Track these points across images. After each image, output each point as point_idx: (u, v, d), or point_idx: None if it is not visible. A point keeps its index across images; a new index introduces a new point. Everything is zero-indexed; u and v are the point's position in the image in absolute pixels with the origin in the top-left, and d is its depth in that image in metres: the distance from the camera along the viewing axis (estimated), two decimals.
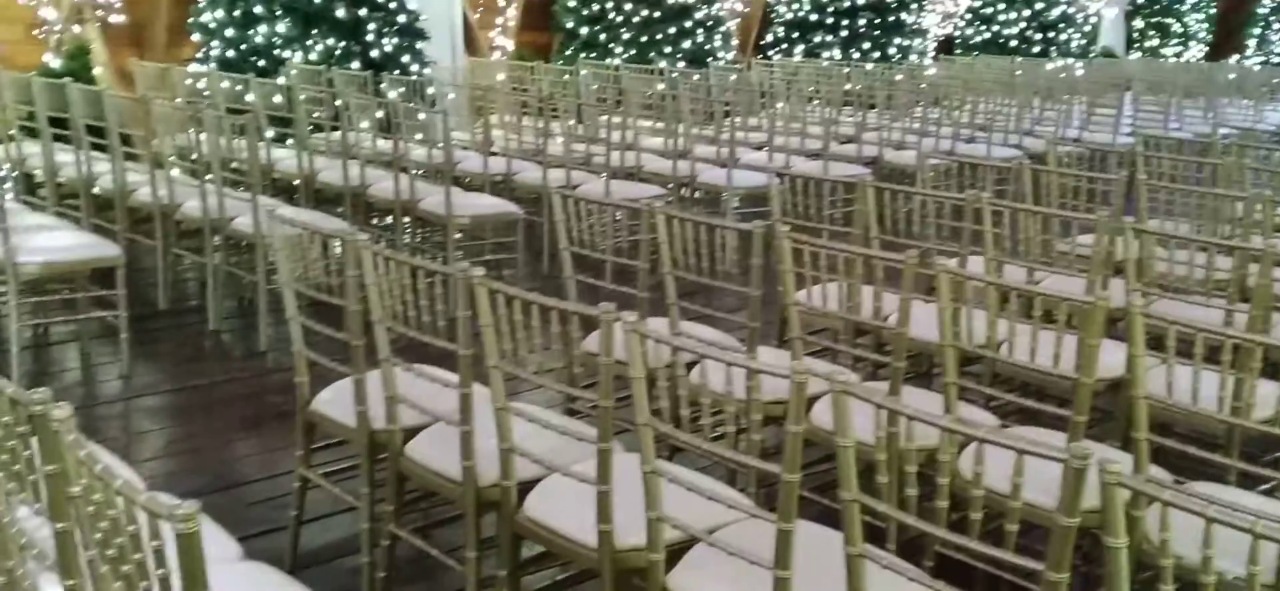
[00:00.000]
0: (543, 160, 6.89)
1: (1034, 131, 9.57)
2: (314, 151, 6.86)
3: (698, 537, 2.28)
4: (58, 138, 6.26)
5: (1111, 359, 3.11)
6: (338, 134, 6.82)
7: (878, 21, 14.06)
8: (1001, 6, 16.68)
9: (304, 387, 3.26)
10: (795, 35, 14.05)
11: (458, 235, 6.15)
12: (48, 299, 5.28)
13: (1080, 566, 3.04)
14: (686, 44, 11.89)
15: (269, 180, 6.84)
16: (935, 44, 15.88)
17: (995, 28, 16.69)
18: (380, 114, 6.90)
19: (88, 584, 1.75)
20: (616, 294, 3.83)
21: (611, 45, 11.74)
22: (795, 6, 14.03)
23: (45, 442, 1.64)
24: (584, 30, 11.87)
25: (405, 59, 8.97)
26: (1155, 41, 19.78)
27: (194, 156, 5.45)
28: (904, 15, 14.23)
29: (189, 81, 7.76)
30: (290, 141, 7.41)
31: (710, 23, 12.13)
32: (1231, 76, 12.97)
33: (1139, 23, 19.94)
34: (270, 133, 7.18)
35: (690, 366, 3.30)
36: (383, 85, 8.06)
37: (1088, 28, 17.69)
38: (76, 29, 8.91)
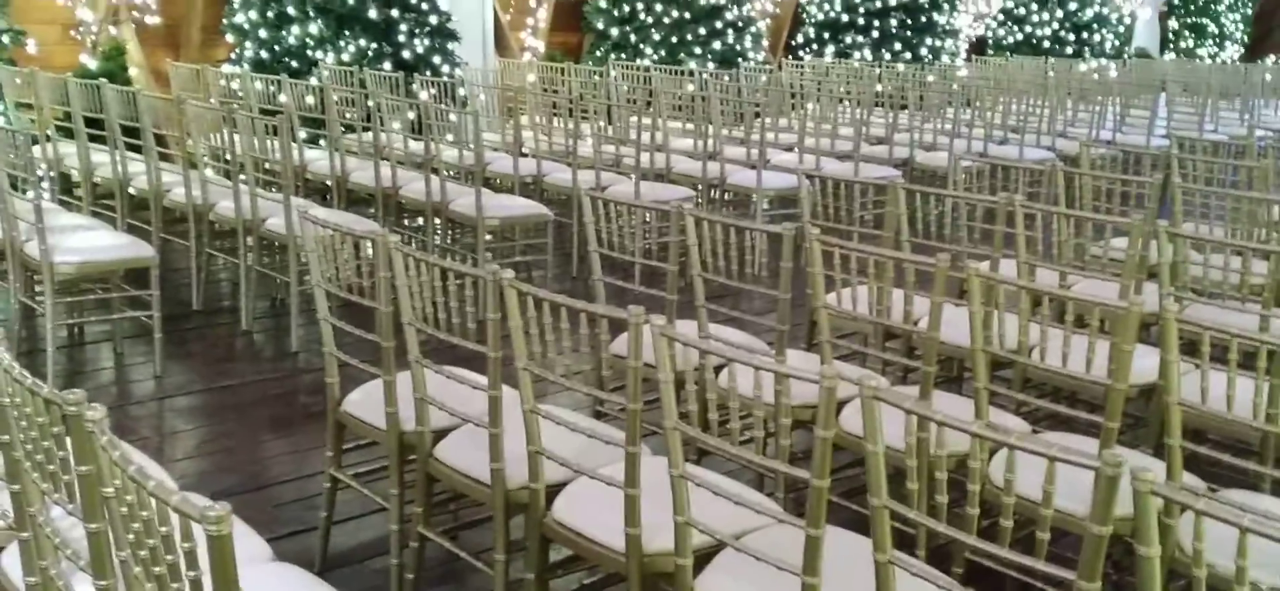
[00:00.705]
0: (573, 162, 6.91)
1: (1067, 133, 9.51)
2: (346, 152, 6.90)
3: (725, 542, 2.27)
4: (93, 138, 6.33)
5: (1144, 364, 3.07)
6: (370, 135, 6.86)
7: (909, 22, 13.99)
8: (1034, 7, 16.55)
9: (334, 388, 3.28)
10: (826, 36, 14.00)
11: (488, 236, 6.17)
12: (82, 298, 5.34)
13: (1112, 575, 3.01)
14: (717, 45, 11.88)
15: (301, 181, 6.89)
16: (967, 45, 15.79)
17: (1028, 28, 16.56)
18: (412, 115, 6.93)
19: (120, 584, 1.77)
20: (645, 296, 3.83)
21: (642, 46, 11.75)
22: (826, 7, 13.98)
23: (79, 443, 1.65)
24: (614, 31, 11.88)
25: (436, 60, 9.01)
26: (1191, 42, 19.57)
27: (227, 157, 5.50)
28: (935, 16, 14.15)
29: (222, 82, 7.83)
30: (322, 142, 7.46)
31: (740, 24, 12.11)
32: (1268, 78, 12.82)
33: (1174, 23, 19.74)
34: (303, 133, 7.24)
35: (718, 369, 3.30)
36: (414, 86, 8.10)
37: (1122, 29, 17.53)
38: (112, 30, 9.01)
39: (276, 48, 8.66)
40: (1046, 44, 16.43)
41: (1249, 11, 19.92)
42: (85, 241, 4.92)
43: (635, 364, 2.31)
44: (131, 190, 6.26)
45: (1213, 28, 19.60)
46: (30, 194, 4.64)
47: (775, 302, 3.48)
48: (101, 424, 1.61)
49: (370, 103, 6.74)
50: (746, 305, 5.42)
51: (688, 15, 11.80)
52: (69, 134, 6.66)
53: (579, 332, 2.58)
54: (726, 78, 10.42)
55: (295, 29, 8.62)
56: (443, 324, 2.84)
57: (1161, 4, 19.63)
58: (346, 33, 8.68)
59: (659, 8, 11.77)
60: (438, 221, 6.58)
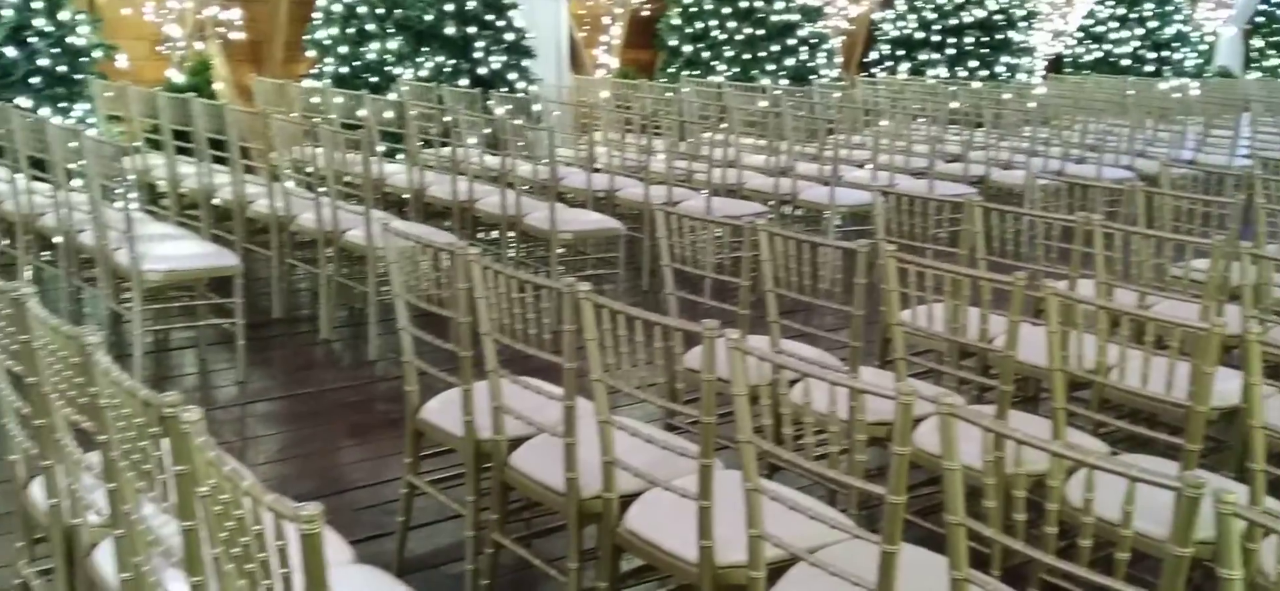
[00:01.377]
0: (645, 177, 6.95)
1: (1146, 153, 9.35)
2: (424, 166, 7.02)
3: (799, 556, 2.28)
4: (180, 150, 6.51)
5: (1226, 387, 3.03)
6: (447, 149, 6.97)
7: (985, 39, 13.85)
8: (1114, 25, 16.29)
9: (413, 396, 3.34)
10: (901, 53, 13.92)
11: (560, 250, 6.23)
12: (169, 305, 5.49)
13: None
14: (790, 61, 11.87)
15: (380, 194, 7.02)
16: (1044, 62, 15.58)
17: (1107, 46, 16.30)
18: (487, 130, 7.03)
19: (211, 581, 1.83)
20: (715, 311, 3.85)
21: (714, 63, 11.78)
22: (901, 24, 13.90)
23: (176, 443, 1.72)
24: (687, 48, 11.92)
25: (512, 76, 9.13)
26: (1275, 60, 19.11)
27: (309, 170, 5.62)
28: (1012, 34, 14.00)
29: (305, 96, 8.00)
30: (401, 156, 7.59)
31: (814, 40, 12.09)
32: None
33: (1258, 41, 19.29)
34: (381, 147, 7.37)
35: (792, 384, 3.31)
36: (490, 102, 8.21)
37: (1203, 47, 17.18)
38: (199, 45, 9.25)
39: (356, 63, 8.84)
40: (1126, 62, 16.16)
41: None
42: (173, 250, 5.06)
43: (709, 377, 2.34)
44: (216, 201, 6.43)
45: None
46: (119, 203, 4.80)
47: (847, 319, 3.48)
48: (198, 425, 1.67)
49: (447, 118, 6.84)
50: (817, 321, 5.41)
51: (761, 32, 11.82)
52: (157, 146, 6.87)
53: (653, 345, 2.61)
54: (799, 94, 10.41)
55: (375, 45, 8.79)
56: (519, 335, 2.88)
57: (1245, 22, 19.20)
58: (425, 49, 8.84)
59: (732, 25, 11.79)
60: (511, 234, 6.66)
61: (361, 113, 7.22)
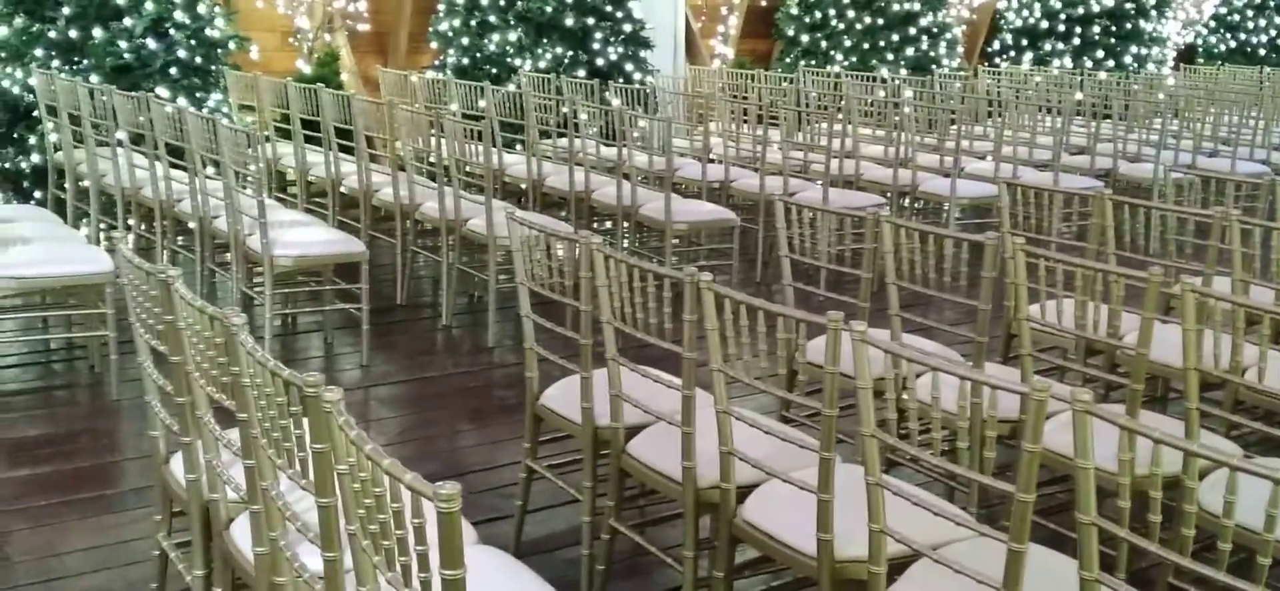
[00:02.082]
0: (760, 167, 6.93)
1: None
2: (542, 157, 7.10)
3: (921, 552, 2.26)
4: (308, 139, 6.70)
5: None
6: (564, 140, 7.04)
7: (1113, 29, 13.43)
8: (1250, 14, 15.65)
9: (533, 383, 3.40)
10: (1024, 43, 13.58)
11: (675, 240, 6.25)
12: (297, 290, 5.66)
13: None
14: (910, 51, 11.68)
15: (500, 184, 7.13)
16: (1175, 52, 15.05)
17: (1242, 36, 15.67)
18: (605, 120, 7.08)
19: (346, 556, 1.89)
20: (832, 303, 3.82)
21: (833, 53, 11.66)
22: (1025, 14, 13.57)
23: (316, 422, 1.78)
24: (805, 38, 11.83)
25: (629, 67, 9.18)
26: None
27: (432, 159, 5.74)
28: (1142, 23, 13.55)
29: (428, 87, 8.16)
30: (519, 146, 7.69)
31: (935, 30, 11.88)
32: None
33: None
34: (501, 138, 7.47)
35: (916, 379, 3.27)
36: (607, 93, 8.26)
37: None
38: (326, 37, 9.51)
39: (478, 54, 8.99)
40: (1262, 52, 15.51)
41: None
42: (302, 236, 5.22)
43: (833, 369, 2.32)
44: (342, 189, 6.60)
45: None
46: (251, 191, 4.96)
47: (970, 313, 3.42)
48: (338, 404, 1.73)
49: (565, 109, 6.91)
50: (936, 315, 5.33)
51: (881, 22, 11.66)
52: (286, 135, 7.08)
53: (775, 336, 2.60)
54: (919, 84, 10.24)
55: (496, 36, 8.92)
56: (638, 324, 2.91)
57: None
58: (544, 40, 8.94)
59: (851, 14, 11.66)
60: (626, 224, 6.71)
61: (482, 103, 7.34)
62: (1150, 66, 13.56)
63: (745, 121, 7.84)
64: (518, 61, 8.88)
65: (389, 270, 6.39)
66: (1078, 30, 13.41)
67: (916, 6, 11.74)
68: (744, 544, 2.73)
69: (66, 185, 6.61)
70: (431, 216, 5.93)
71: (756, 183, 6.94)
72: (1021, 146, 8.09)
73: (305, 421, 1.84)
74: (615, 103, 7.85)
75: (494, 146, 6.81)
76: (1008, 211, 4.29)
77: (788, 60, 11.84)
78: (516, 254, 3.30)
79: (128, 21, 6.91)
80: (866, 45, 11.65)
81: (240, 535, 2.44)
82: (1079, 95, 9.43)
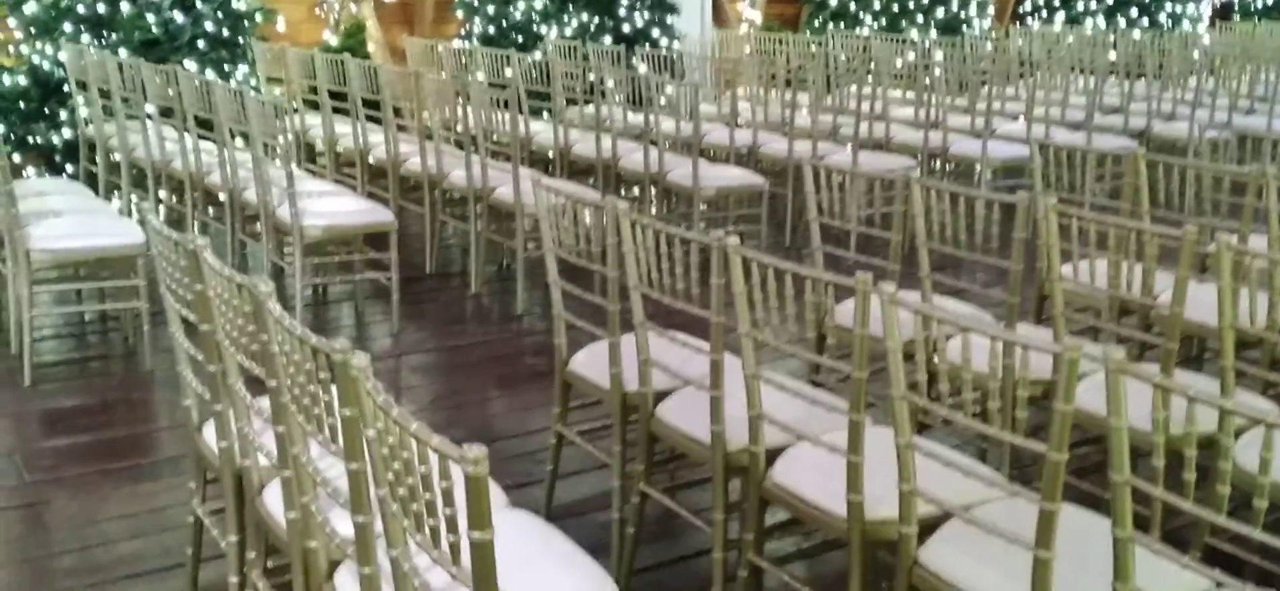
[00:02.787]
0: (789, 132, 6.88)
1: None
2: (569, 124, 7.08)
3: (953, 512, 2.25)
4: (336, 110, 6.71)
5: None
6: (592, 108, 7.01)
7: None
8: None
9: (562, 349, 3.40)
10: (1056, 2, 13.38)
11: (702, 206, 6.22)
12: (327, 259, 5.69)
13: None
14: (940, 12, 11.54)
15: (526, 152, 7.12)
16: (1211, 10, 14.79)
17: None
18: (631, 87, 7.04)
19: (376, 520, 1.89)
20: (862, 266, 3.79)
21: (861, 15, 11.54)
22: None
23: (344, 388, 1.78)
24: (834, 1, 11.71)
25: (656, 32, 9.12)
26: None
27: (459, 128, 5.73)
28: None
29: (454, 56, 8.15)
30: (546, 114, 7.67)
31: None
32: None
33: None
34: (528, 106, 7.46)
35: (946, 341, 3.25)
36: (634, 59, 8.22)
37: None
38: (353, 8, 9.51)
39: (503, 22, 8.96)
40: None
41: None
42: (331, 206, 5.23)
43: (861, 332, 2.31)
44: (371, 159, 6.62)
45: None
46: (280, 162, 4.98)
47: (1002, 275, 3.39)
48: (366, 370, 1.73)
49: (592, 76, 6.89)
50: (968, 277, 5.29)
51: None
52: (314, 106, 7.09)
53: (803, 300, 2.58)
54: (950, 45, 10.13)
55: (521, 4, 8.90)
56: (668, 289, 2.90)
57: None
58: (570, 7, 8.90)
59: None
60: (654, 190, 6.69)
61: (508, 72, 7.32)
62: (1185, 24, 13.35)
63: (773, 86, 7.78)
64: (543, 29, 8.84)
65: (419, 239, 6.41)
66: None
67: None
68: (773, 506, 2.72)
69: (98, 159, 6.66)
70: (459, 185, 5.94)
71: (785, 147, 6.90)
72: (1054, 107, 7.99)
73: (334, 388, 1.85)
74: (642, 69, 7.82)
75: (520, 114, 6.80)
76: (1040, 172, 4.24)
77: (816, 23, 11.72)
78: (543, 221, 3.29)
79: None
80: (896, 6, 11.51)
81: (272, 501, 2.45)
82: (1112, 55, 9.31)
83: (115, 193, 6.61)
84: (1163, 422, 1.99)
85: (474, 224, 5.88)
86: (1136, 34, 11.34)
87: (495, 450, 4.06)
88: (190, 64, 6.76)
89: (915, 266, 3.57)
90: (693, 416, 2.93)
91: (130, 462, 3.93)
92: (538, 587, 2.13)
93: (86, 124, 6.80)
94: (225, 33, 7.19)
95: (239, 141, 5.59)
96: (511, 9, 8.95)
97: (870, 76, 7.70)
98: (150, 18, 6.89)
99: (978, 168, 7.12)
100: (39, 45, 6.87)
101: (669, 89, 6.81)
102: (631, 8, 9.02)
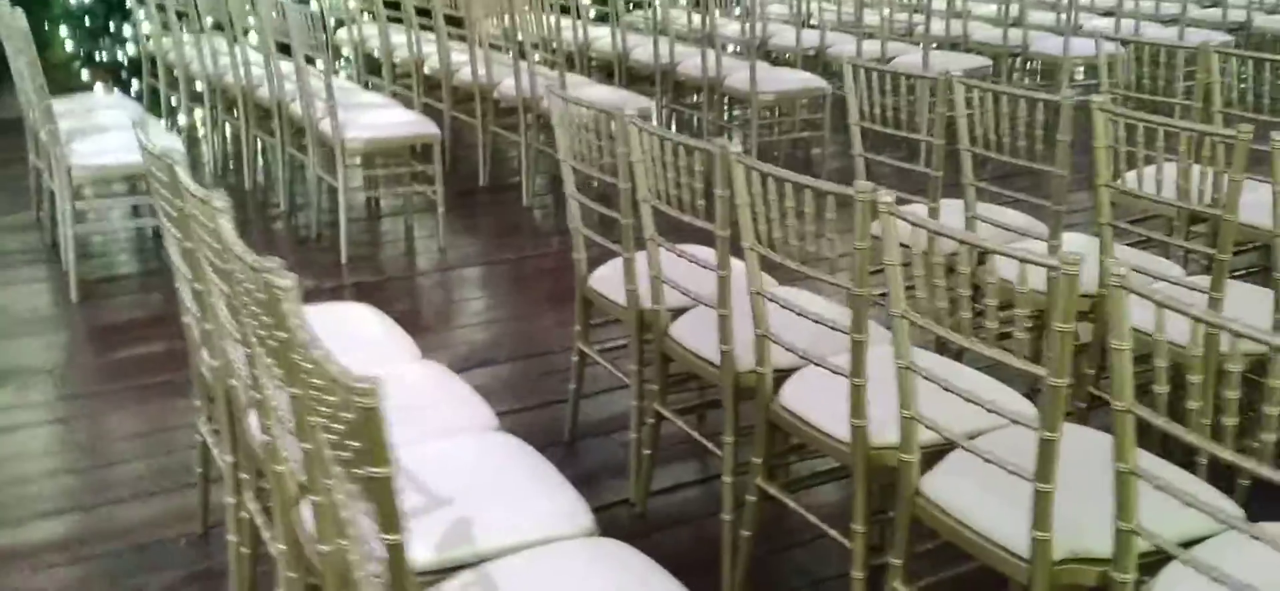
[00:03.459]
0: (858, 31, 6.58)
1: None
2: (629, 29, 6.87)
3: (955, 442, 2.08)
4: (392, 20, 6.61)
5: None
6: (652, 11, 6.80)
7: None
8: None
9: (582, 264, 3.27)
10: None
11: (766, 113, 6.00)
12: (377, 172, 5.63)
13: None
14: None
15: (586, 60, 6.95)
16: None
17: None
18: None
19: (324, 449, 1.80)
20: (916, 175, 3.58)
21: None
22: None
23: (271, 310, 1.68)
24: None
25: None
26: None
27: (519, 37, 5.58)
28: None
29: None
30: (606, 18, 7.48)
31: None
32: None
33: None
34: (592, 12, 7.26)
35: (983, 257, 3.04)
36: None
37: None
38: None
39: None
40: None
41: None
42: (375, 119, 5.15)
43: (862, 245, 2.13)
44: (426, 70, 6.51)
45: None
46: (320, 66, 4.88)
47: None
48: (290, 292, 1.62)
49: None
50: (1026, 185, 5.01)
51: None
52: (373, 16, 7.01)
53: (822, 214, 2.39)
54: None
55: None
56: (674, 202, 2.73)
57: None
58: None
59: None
60: (716, 97, 6.48)
61: None
62: None
63: None
64: None
65: (474, 151, 6.31)
66: None
67: None
68: (783, 429, 2.57)
69: (159, 74, 6.68)
70: (510, 96, 5.80)
71: (854, 48, 6.61)
72: (1146, 1, 7.53)
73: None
74: None
75: (578, 20, 6.62)
76: (1105, 67, 3.94)
77: None
78: (558, 130, 3.15)
79: None
80: None
81: (253, 424, 2.39)
82: None
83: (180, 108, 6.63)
84: (1200, 336, 1.79)
85: (523, 135, 5.76)
86: None
87: (536, 365, 4.03)
88: None
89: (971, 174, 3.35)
90: (704, 336, 2.79)
91: (164, 378, 3.93)
92: (510, 511, 2.04)
93: (147, 39, 6.81)
94: None
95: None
96: None
97: None
98: None
99: (1062, 66, 6.75)
100: None
101: None
102: None
